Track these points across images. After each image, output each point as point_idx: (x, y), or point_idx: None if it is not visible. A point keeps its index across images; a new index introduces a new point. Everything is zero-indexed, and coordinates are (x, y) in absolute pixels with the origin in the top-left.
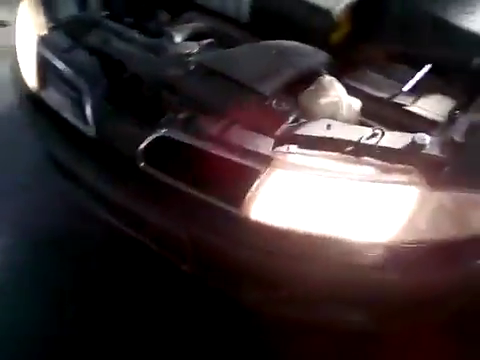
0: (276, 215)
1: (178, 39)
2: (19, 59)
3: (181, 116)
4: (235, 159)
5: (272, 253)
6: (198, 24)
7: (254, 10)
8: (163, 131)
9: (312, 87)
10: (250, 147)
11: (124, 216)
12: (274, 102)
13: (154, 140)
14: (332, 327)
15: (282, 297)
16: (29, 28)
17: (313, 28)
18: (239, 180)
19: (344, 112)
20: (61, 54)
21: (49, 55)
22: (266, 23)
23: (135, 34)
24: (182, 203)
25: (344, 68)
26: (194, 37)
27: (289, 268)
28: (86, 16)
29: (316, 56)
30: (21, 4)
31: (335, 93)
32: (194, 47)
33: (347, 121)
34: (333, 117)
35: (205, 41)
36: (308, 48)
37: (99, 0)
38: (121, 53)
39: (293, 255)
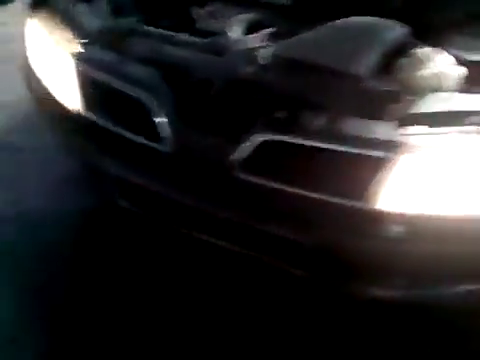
0: (411, 202)
1: (235, 34)
2: (44, 81)
3: (279, 115)
4: (354, 150)
5: (410, 240)
6: (247, 15)
7: None
8: (264, 135)
9: (407, 61)
10: (369, 135)
11: (219, 230)
12: (373, 83)
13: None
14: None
15: (418, 283)
16: (51, 47)
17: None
18: (361, 172)
19: (448, 82)
20: (110, 70)
21: (95, 73)
22: (314, 3)
23: (185, 37)
24: (298, 207)
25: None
26: (249, 30)
27: (431, 252)
28: (119, 25)
29: (397, 28)
30: (29, 22)
31: (433, 64)
32: (257, 40)
33: (454, 91)
34: (437, 89)
35: (264, 32)
36: (386, 21)
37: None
38: (179, 59)
39: (434, 239)
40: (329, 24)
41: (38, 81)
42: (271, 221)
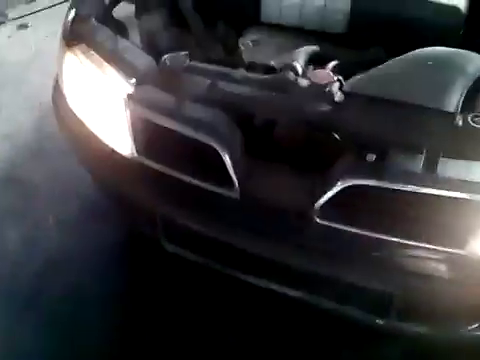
0: None
1: (299, 69)
2: (84, 121)
3: (367, 158)
4: (453, 195)
5: None
6: (306, 47)
7: (356, 18)
8: (349, 179)
9: None
10: (469, 178)
11: (294, 279)
12: (466, 119)
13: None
14: None
15: None
16: (95, 85)
17: (440, 27)
18: (461, 217)
19: None
20: (167, 111)
21: (150, 114)
22: (372, 30)
23: (243, 73)
24: (386, 255)
25: None
26: (310, 63)
27: None
28: (172, 63)
29: (476, 59)
30: (66, 56)
31: None
32: (326, 75)
33: None
34: None
35: (331, 65)
36: (462, 52)
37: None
38: (242, 98)
39: None
40: (399, 58)
41: (76, 120)
42: (355, 270)
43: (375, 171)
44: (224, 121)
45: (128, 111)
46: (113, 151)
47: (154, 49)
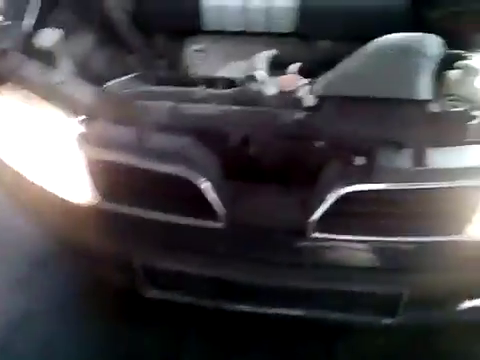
0: None
1: (262, 78)
2: (25, 173)
3: (357, 162)
4: (452, 184)
5: None
6: (266, 52)
7: (304, 14)
8: (342, 187)
9: (459, 74)
10: (459, 164)
11: (295, 299)
12: (440, 103)
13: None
14: None
15: None
16: (35, 129)
17: (388, 13)
18: (460, 205)
19: None
20: (129, 147)
21: (112, 154)
22: (321, 26)
23: (204, 91)
24: (389, 256)
25: None
26: (273, 69)
27: None
28: (118, 90)
29: (434, 40)
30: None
31: None
32: (292, 80)
33: None
34: None
35: (293, 68)
36: (419, 35)
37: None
38: (208, 119)
39: None
40: (365, 49)
41: (14, 174)
42: (359, 277)
43: (366, 174)
44: (194, 147)
45: (82, 153)
46: (66, 201)
47: (92, 75)
